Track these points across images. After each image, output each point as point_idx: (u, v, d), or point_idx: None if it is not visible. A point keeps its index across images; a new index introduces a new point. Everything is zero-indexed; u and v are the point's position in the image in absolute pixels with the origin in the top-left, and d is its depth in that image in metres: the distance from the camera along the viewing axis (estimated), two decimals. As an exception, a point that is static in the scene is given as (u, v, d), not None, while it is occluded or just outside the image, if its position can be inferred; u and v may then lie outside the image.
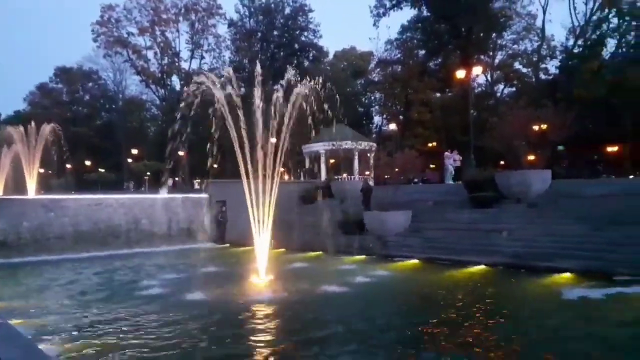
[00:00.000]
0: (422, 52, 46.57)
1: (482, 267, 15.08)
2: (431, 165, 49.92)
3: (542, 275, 13.19)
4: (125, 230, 23.94)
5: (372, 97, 57.71)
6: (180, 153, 43.12)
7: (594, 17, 40.50)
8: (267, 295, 10.85)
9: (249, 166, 12.92)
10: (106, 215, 23.89)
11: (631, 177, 34.84)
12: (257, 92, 13.60)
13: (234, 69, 49.66)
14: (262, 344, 7.44)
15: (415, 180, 36.84)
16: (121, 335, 7.88)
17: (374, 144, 36.15)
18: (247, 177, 12.85)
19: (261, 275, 12.52)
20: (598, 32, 40.94)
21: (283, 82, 14.44)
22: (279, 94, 13.91)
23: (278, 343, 7.58)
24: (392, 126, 48.58)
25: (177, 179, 45.98)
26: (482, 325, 8.49)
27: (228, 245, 24.26)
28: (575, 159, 45.32)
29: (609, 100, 37.81)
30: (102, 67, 63.55)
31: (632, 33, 41.18)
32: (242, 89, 28.72)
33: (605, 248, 14.23)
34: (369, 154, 35.08)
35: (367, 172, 33.85)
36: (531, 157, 37.13)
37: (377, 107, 57.07)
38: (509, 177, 20.78)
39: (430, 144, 46.75)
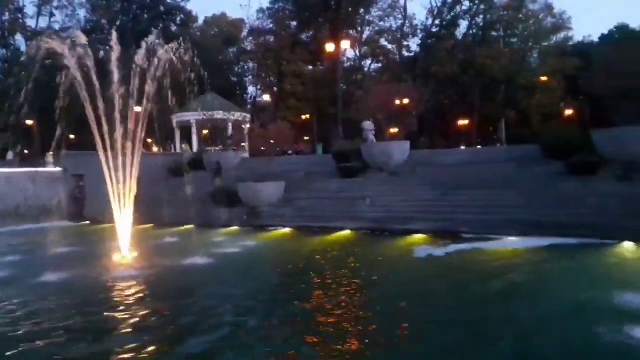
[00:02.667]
0: (294, 23, 46.73)
1: (348, 232, 16.04)
2: (305, 138, 51.07)
3: (400, 237, 14.46)
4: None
5: (246, 67, 56.69)
6: (29, 122, 38.43)
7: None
8: (128, 272, 10.35)
9: (109, 137, 11.98)
10: None
11: (479, 147, 39.31)
12: (114, 56, 12.54)
13: (91, 29, 45.18)
14: (121, 319, 7.18)
15: (289, 152, 37.47)
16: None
17: (248, 115, 35.75)
18: (105, 149, 11.91)
19: (124, 252, 11.85)
20: (452, 14, 44.74)
21: (147, 45, 13.50)
22: (141, 59, 12.99)
23: (136, 317, 7.32)
24: (266, 97, 48.41)
25: (26, 151, 40.94)
26: (339, 284, 9.08)
27: (88, 222, 22.47)
28: (433, 130, 49.68)
29: (461, 77, 41.81)
30: None
31: (481, 16, 45.70)
32: (102, 53, 26.24)
33: (451, 210, 15.99)
34: (243, 125, 34.67)
35: (242, 144, 33.52)
36: (394, 130, 39.91)
37: (250, 77, 56.24)
38: (372, 148, 22.11)
39: (303, 116, 47.59)
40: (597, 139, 16.37)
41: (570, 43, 52.32)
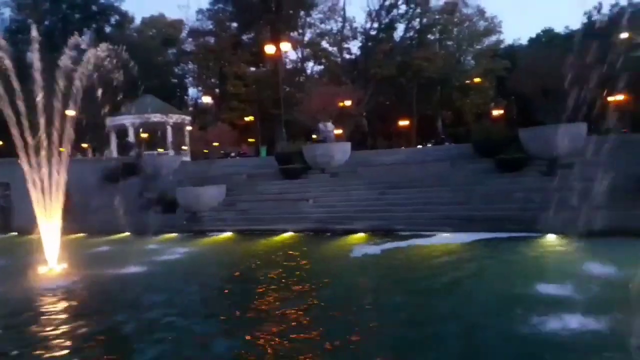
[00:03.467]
0: (235, 24, 46.25)
1: (291, 233, 16.03)
2: (249, 140, 50.62)
3: (341, 237, 14.62)
4: None
5: (186, 68, 55.42)
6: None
7: (387, 3, 45.22)
8: (52, 285, 9.80)
9: (33, 143, 11.35)
10: None
11: (419, 147, 40.49)
12: (36, 57, 11.92)
13: (16, 29, 42.61)
14: (46, 333, 6.80)
15: (232, 154, 37.05)
16: None
17: (187, 117, 34.99)
18: (28, 155, 11.28)
19: (50, 264, 11.25)
20: (390, 17, 45.90)
21: (76, 46, 12.90)
22: (69, 60, 12.40)
23: (60, 330, 6.96)
24: (208, 99, 47.57)
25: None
26: (277, 285, 9.10)
27: (16, 234, 21.17)
28: (375, 131, 50.74)
29: (399, 79, 42.96)
30: None
31: (418, 19, 47.16)
32: (29, 54, 24.78)
33: (389, 209, 16.43)
34: (183, 128, 33.90)
35: (183, 147, 32.76)
36: (339, 131, 40.33)
37: (191, 78, 55.04)
38: (314, 149, 22.30)
39: (246, 118, 47.18)
40: (524, 136, 17.34)
41: (502, 46, 55.11)
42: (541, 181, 15.15)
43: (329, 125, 23.35)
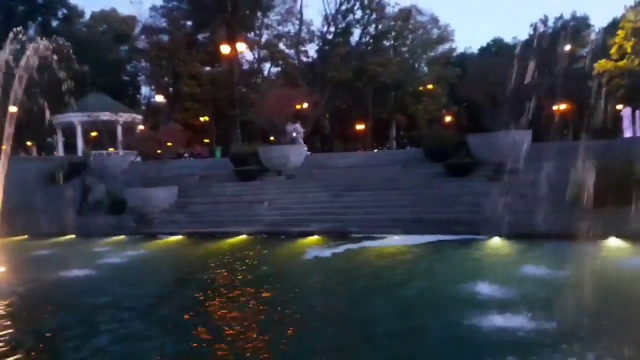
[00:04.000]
0: (190, 23, 45.35)
1: (244, 236, 15.90)
2: (204, 140, 49.74)
3: (295, 240, 14.63)
4: None
5: (139, 66, 53.81)
6: None
7: (343, 7, 45.68)
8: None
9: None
10: None
11: (375, 150, 41.15)
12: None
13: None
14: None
15: (186, 155, 36.28)
16: None
17: (138, 116, 33.99)
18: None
19: (-13, 268, 10.67)
20: (346, 22, 46.37)
21: (17, 40, 12.33)
22: (9, 56, 11.85)
23: None
24: (161, 98, 46.41)
25: None
26: (223, 289, 9.03)
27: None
28: (332, 134, 51.12)
29: (355, 83, 43.48)
30: None
31: (373, 25, 47.87)
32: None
33: (343, 211, 16.61)
34: (133, 127, 32.86)
35: (134, 147, 31.76)
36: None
37: (144, 77, 53.44)
38: (270, 151, 22.24)
39: (201, 118, 46.33)
40: (472, 142, 17.98)
41: (454, 54, 56.90)
42: (487, 186, 15.73)
43: (298, 126, 23.36)
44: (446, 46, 54.90)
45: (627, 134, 33.46)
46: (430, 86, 48.31)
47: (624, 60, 45.63)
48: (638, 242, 10.63)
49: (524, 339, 5.57)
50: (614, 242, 11.08)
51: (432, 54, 52.79)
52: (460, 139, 18.89)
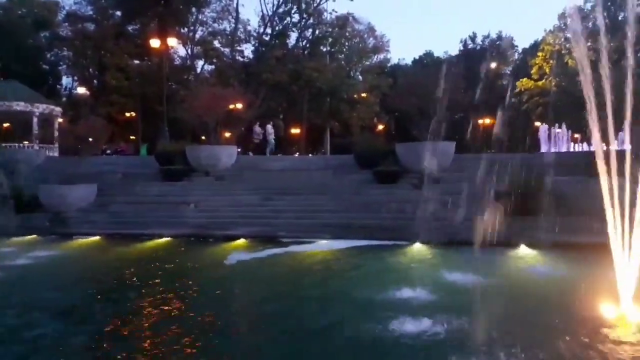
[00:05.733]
0: (119, 13, 43.27)
1: (167, 239, 15.24)
2: (130, 137, 47.58)
3: (221, 243, 14.23)
4: None
5: (61, 55, 50.44)
6: None
7: (280, 10, 45.61)
8: None
9: None
10: None
11: (310, 155, 41.18)
12: None
13: None
14: None
15: (108, 151, 34.50)
16: None
17: (57, 108, 31.78)
18: None
19: None
20: (283, 24, 46.37)
21: None
22: None
23: None
24: (83, 90, 43.87)
25: None
26: (133, 293, 8.64)
27: None
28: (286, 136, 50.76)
29: (290, 86, 43.52)
30: None
31: (310, 30, 48.23)
32: None
33: (272, 215, 16.42)
34: (54, 120, 30.67)
35: (53, 141, 29.66)
36: (228, 134, 39.70)
37: (66, 66, 50.16)
38: (199, 150, 21.63)
39: (128, 113, 44.33)
40: (399, 151, 18.51)
41: (389, 64, 58.62)
42: (413, 193, 16.21)
43: (269, 127, 22.90)
44: (381, 56, 56.51)
45: (543, 148, 36.04)
46: (364, 94, 49.39)
47: (543, 80, 49.35)
48: (545, 250, 11.31)
49: (429, 341, 5.76)
50: (524, 250, 11.75)
51: (368, 62, 54.03)
52: (390, 147, 19.40)
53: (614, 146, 6.71)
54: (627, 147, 6.69)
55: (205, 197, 18.80)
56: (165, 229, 16.07)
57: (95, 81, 45.11)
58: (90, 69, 45.74)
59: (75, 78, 48.84)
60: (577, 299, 7.01)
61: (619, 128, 7.04)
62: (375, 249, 12.60)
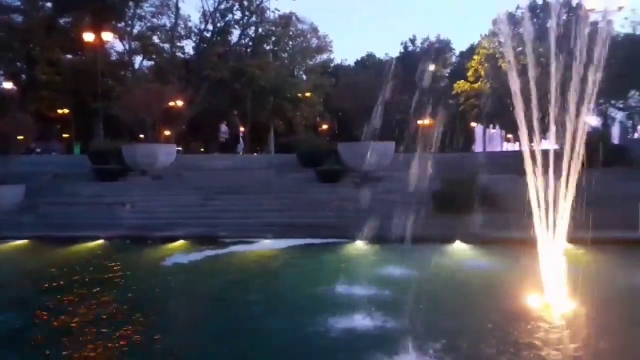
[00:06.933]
0: (50, 4, 40.85)
1: (101, 241, 14.57)
2: (64, 135, 45.12)
3: (159, 245, 13.76)
4: None
5: (-15, 47, 46.97)
6: None
7: (222, 6, 44.83)
8: None
9: None
10: None
11: (255, 154, 40.73)
12: None
13: None
14: None
15: (38, 150, 32.62)
16: None
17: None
18: None
19: None
20: (225, 21, 45.60)
21: None
22: None
23: None
24: (10, 85, 41.04)
25: None
26: (61, 298, 8.20)
27: None
28: (207, 135, 49.72)
29: (233, 84, 42.89)
30: None
31: (253, 28, 47.72)
32: None
33: (214, 215, 16.15)
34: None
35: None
36: (167, 132, 38.56)
37: (-10, 59, 46.72)
38: (135, 149, 20.90)
39: (60, 110, 41.96)
40: (341, 150, 18.75)
41: (332, 64, 59.11)
42: (354, 192, 16.46)
43: (222, 126, 22.31)
44: (324, 56, 56.86)
45: (478, 148, 37.72)
46: (308, 94, 49.51)
47: (479, 83, 51.52)
48: (478, 245, 11.87)
49: (356, 334, 5.90)
50: (459, 246, 12.24)
51: (311, 62, 54.19)
52: (332, 147, 19.61)
53: (539, 146, 7.09)
54: (552, 146, 7.09)
55: (143, 198, 18.19)
56: (100, 230, 15.38)
57: (23, 76, 42.33)
58: (18, 63, 42.85)
59: (1, 72, 45.62)
60: (505, 291, 7.39)
61: (546, 129, 7.46)
62: (316, 247, 12.68)
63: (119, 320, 6.88)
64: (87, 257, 12.29)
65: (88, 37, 26.18)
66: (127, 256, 12.50)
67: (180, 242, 14.07)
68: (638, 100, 49.58)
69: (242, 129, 22.17)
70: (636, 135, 33.63)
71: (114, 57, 44.53)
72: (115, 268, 10.80)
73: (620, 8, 21.77)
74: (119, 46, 44.75)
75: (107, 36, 28.26)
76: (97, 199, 18.13)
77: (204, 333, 6.46)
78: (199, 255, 11.71)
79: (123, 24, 43.15)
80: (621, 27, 39.99)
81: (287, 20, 47.91)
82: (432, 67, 56.32)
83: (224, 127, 22.00)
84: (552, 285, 6.89)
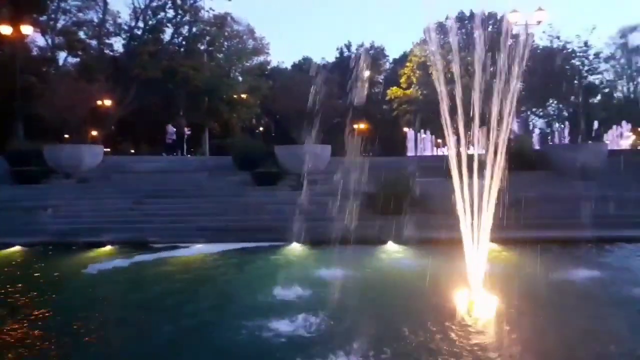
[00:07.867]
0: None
1: (18, 248, 13.61)
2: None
3: (84, 251, 13.06)
4: None
5: None
6: None
7: (154, 4, 43.32)
8: None
9: None
10: None
11: (189, 156, 39.47)
12: None
13: None
14: None
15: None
16: None
17: None
18: None
19: None
20: (157, 19, 44.11)
21: None
22: None
23: None
24: None
25: None
26: None
27: None
28: (138, 136, 47.80)
29: (166, 84, 41.56)
30: None
31: (186, 27, 46.52)
32: None
33: (143, 220, 15.52)
34: None
35: None
36: (94, 133, 36.67)
37: None
38: (59, 150, 19.77)
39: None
40: (278, 153, 18.68)
41: (269, 67, 58.85)
42: (291, 195, 16.43)
43: (169, 127, 21.21)
44: (261, 58, 56.48)
45: (411, 153, 38.96)
46: (244, 95, 48.95)
47: (411, 89, 53.34)
48: (410, 246, 12.29)
49: (285, 336, 5.89)
50: (391, 247, 12.62)
51: (247, 64, 53.62)
52: (269, 149, 19.47)
53: (465, 150, 7.41)
54: (478, 151, 7.44)
55: (66, 202, 17.16)
56: (17, 237, 14.31)
57: None
58: None
59: None
60: (432, 289, 7.67)
61: (471, 134, 7.81)
62: (251, 251, 12.56)
63: (27, 337, 6.34)
64: (1, 265, 11.39)
65: (5, 30, 24.32)
66: (47, 263, 11.72)
67: (107, 247, 13.43)
68: (556, 108, 53.47)
69: (173, 130, 21.57)
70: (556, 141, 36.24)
71: (35, 52, 41.81)
72: (31, 276, 10.10)
73: (539, 22, 23.36)
74: (40, 41, 42.11)
75: (27, 29, 26.37)
76: (15, 204, 16.84)
77: (123, 349, 6.09)
78: (126, 262, 11.17)
79: (45, 17, 40.59)
80: (540, 39, 42.94)
81: (222, 20, 47.09)
82: (367, 74, 57.62)
83: (171, 128, 21.31)
84: (477, 283, 7.21)
